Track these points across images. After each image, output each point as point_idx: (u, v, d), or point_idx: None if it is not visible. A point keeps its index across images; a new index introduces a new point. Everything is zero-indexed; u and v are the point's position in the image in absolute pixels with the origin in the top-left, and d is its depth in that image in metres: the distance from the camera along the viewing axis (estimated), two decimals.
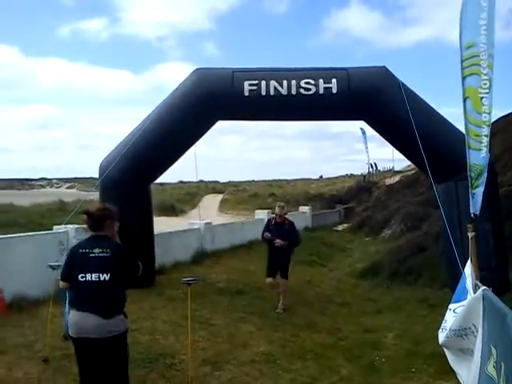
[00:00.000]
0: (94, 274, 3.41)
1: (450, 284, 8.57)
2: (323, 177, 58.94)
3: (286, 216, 8.32)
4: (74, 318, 3.44)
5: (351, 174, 50.96)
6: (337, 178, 53.84)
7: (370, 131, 39.17)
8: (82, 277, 3.43)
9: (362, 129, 36.63)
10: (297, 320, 7.31)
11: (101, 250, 3.46)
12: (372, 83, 8.22)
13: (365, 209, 23.67)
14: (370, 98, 8.16)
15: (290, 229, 8.01)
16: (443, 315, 3.69)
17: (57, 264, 5.46)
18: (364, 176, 36.48)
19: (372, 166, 36.53)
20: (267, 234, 7.91)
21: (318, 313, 7.99)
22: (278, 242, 7.75)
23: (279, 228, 7.94)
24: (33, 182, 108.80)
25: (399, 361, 5.71)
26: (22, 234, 8.25)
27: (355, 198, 28.60)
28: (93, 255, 3.45)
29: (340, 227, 22.42)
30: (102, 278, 3.40)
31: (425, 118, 8.07)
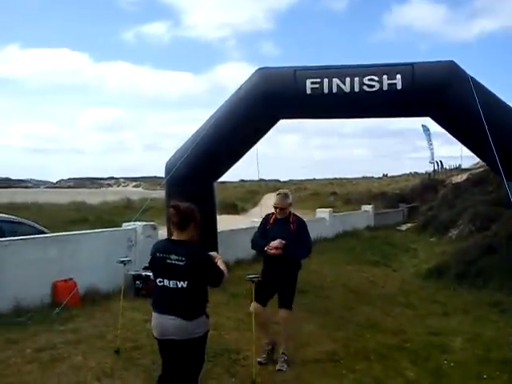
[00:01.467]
0: (171, 281, 3.33)
1: None
2: (386, 175, 57.57)
3: (293, 211, 5.47)
4: (156, 319, 3.44)
5: (415, 173, 49.41)
6: (400, 176, 52.41)
7: (435, 128, 37.80)
8: (160, 281, 3.39)
9: (424, 126, 35.42)
10: (360, 320, 7.20)
11: (177, 258, 3.31)
12: (439, 78, 7.95)
13: (430, 208, 22.87)
14: (437, 93, 7.89)
15: (297, 230, 5.22)
16: None
17: (127, 259, 5.70)
18: (429, 174, 35.25)
19: (437, 164, 35.29)
20: (259, 244, 5.27)
21: (382, 313, 7.83)
22: (273, 246, 5.05)
23: (281, 228, 5.23)
24: (102, 181, 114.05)
25: (469, 366, 5.48)
26: (93, 231, 8.68)
27: (420, 196, 27.71)
28: (169, 261, 3.33)
29: (403, 227, 21.83)
30: (179, 286, 3.32)
31: (496, 113, 7.71)
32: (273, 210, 5.38)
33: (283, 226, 5.22)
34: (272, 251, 5.04)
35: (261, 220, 5.66)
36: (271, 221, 5.40)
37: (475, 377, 5.13)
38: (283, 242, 5.05)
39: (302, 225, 5.31)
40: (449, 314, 7.90)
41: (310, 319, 6.88)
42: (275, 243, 5.04)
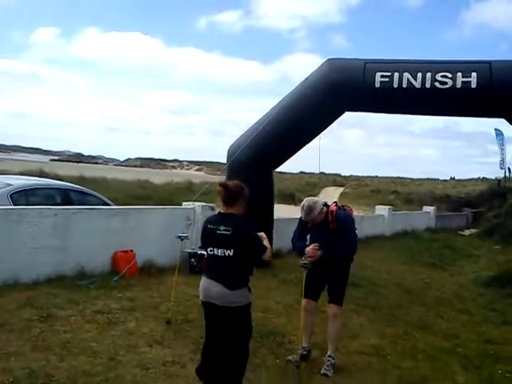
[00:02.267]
0: (219, 250, 3.61)
1: None
2: (453, 178, 55.40)
3: (333, 206, 4.85)
4: (203, 283, 3.72)
5: (483, 178, 47.18)
6: (467, 180, 50.25)
7: (508, 132, 35.82)
8: (211, 250, 3.68)
9: (497, 129, 33.58)
10: (411, 319, 7.06)
11: (225, 228, 3.60)
12: None
13: (496, 215, 21.83)
14: None
15: (338, 228, 4.76)
16: None
17: (185, 235, 5.90)
18: (499, 180, 33.53)
19: (509, 170, 33.48)
20: (305, 255, 4.73)
21: (435, 316, 7.62)
22: (308, 255, 4.69)
23: (320, 229, 4.82)
24: (166, 163, 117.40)
25: None
26: (154, 207, 9.01)
27: (486, 202, 26.50)
28: (218, 232, 3.62)
29: (466, 232, 20.99)
30: (226, 254, 3.59)
31: None
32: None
33: (322, 226, 4.79)
34: (310, 259, 4.67)
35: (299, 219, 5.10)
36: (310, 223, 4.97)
37: None
38: (316, 246, 4.71)
39: (343, 221, 4.78)
40: (507, 323, 7.57)
41: (359, 312, 6.84)
42: (308, 251, 4.71)
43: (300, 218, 4.97)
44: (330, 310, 4.89)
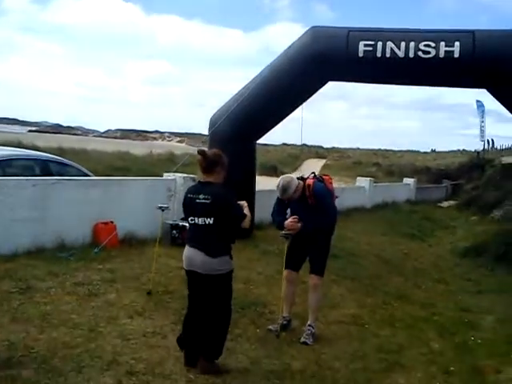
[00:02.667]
0: (200, 218, 3.67)
1: None
2: (433, 150, 55.89)
3: (310, 180, 4.85)
4: (186, 252, 3.80)
5: (464, 150, 47.66)
6: (448, 152, 50.73)
7: (488, 105, 36.07)
8: (192, 219, 3.74)
9: (478, 101, 33.75)
10: (390, 289, 7.20)
11: (204, 197, 3.64)
12: (501, 48, 7.51)
13: (475, 187, 22.18)
14: (498, 64, 7.47)
15: (316, 202, 4.78)
16: None
17: (165, 206, 5.85)
18: (478, 152, 33.94)
19: (488, 143, 33.87)
20: (285, 230, 4.72)
21: (413, 286, 7.79)
22: (287, 228, 4.70)
23: (298, 203, 4.84)
24: (147, 134, 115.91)
25: (497, 345, 5.43)
26: (135, 178, 8.93)
27: (465, 174, 26.85)
28: (198, 201, 3.66)
29: (445, 203, 21.30)
30: (206, 222, 3.65)
31: None
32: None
33: (301, 201, 4.79)
34: (290, 232, 4.68)
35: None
36: None
37: (501, 355, 5.08)
38: (296, 219, 4.68)
39: (319, 195, 4.77)
40: (482, 292, 7.79)
41: (339, 282, 6.93)
42: (288, 224, 4.69)
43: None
44: (310, 280, 4.92)
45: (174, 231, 7.81)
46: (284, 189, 4.69)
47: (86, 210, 7.06)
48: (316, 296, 4.93)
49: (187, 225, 3.86)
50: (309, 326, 4.82)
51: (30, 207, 6.40)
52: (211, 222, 3.63)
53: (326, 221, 4.86)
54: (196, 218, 3.69)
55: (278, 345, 4.47)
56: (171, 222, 7.81)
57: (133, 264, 6.32)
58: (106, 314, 4.62)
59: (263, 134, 9.79)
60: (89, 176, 8.36)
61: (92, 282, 5.41)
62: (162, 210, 5.73)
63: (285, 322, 4.94)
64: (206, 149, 3.85)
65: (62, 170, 7.99)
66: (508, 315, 6.52)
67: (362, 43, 7.90)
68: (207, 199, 3.63)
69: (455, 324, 6.06)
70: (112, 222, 7.28)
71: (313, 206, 4.76)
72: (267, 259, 7.47)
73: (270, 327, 4.81)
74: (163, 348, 4.10)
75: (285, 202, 4.91)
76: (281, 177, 4.93)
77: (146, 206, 7.56)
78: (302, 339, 4.69)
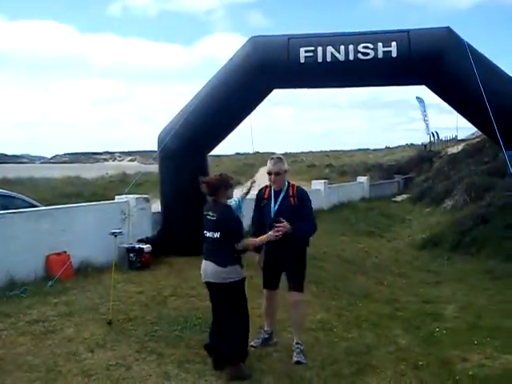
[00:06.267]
0: (210, 232, 4.16)
1: None
2: (382, 147, 57.42)
3: (292, 182, 4.80)
4: (202, 265, 4.23)
5: (411, 144, 49.24)
6: (396, 147, 52.26)
7: (429, 99, 37.35)
8: (205, 233, 4.22)
9: (418, 98, 34.99)
10: (353, 289, 7.25)
11: (212, 214, 4.15)
12: (435, 45, 7.81)
13: (425, 179, 22.88)
14: (434, 61, 7.76)
15: (298, 204, 4.58)
16: (508, 287, 3.51)
17: (118, 231, 5.67)
18: (425, 145, 35.10)
19: (433, 135, 35.07)
20: (271, 232, 4.32)
21: (376, 283, 7.89)
22: (277, 230, 4.29)
23: (278, 202, 4.61)
24: (97, 156, 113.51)
25: (461, 333, 5.55)
26: (86, 204, 8.62)
27: (415, 168, 27.67)
28: (208, 217, 4.17)
29: (399, 198, 21.85)
30: (214, 236, 4.12)
31: (494, 80, 7.61)
32: (267, 183, 4.86)
33: (282, 199, 4.59)
34: (275, 235, 4.28)
35: (255, 197, 4.93)
36: (266, 195, 4.73)
37: (466, 343, 5.19)
38: (282, 221, 4.34)
39: (303, 197, 4.62)
40: (442, 282, 7.97)
41: (304, 289, 6.89)
42: (281, 226, 4.29)
43: (256, 197, 4.87)
44: (290, 297, 4.68)
45: (131, 254, 7.59)
46: (279, 159, 4.74)
47: (35, 243, 6.75)
48: (299, 313, 4.75)
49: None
50: (296, 344, 4.62)
51: None
52: (218, 235, 4.09)
53: (307, 228, 4.60)
54: (208, 232, 4.17)
55: (247, 361, 4.38)
56: (127, 246, 7.60)
57: (90, 294, 6.08)
58: (65, 351, 4.40)
59: (214, 147, 9.71)
60: (36, 206, 8.04)
61: (48, 318, 5.15)
62: (115, 236, 5.55)
63: (266, 336, 4.89)
64: (208, 177, 4.40)
65: (6, 202, 7.65)
66: (467, 303, 6.70)
67: (302, 50, 8.00)
68: (214, 216, 4.13)
69: (419, 317, 6.15)
70: (65, 252, 7.00)
71: (294, 209, 4.54)
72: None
73: (253, 343, 4.68)
74: (128, 380, 3.93)
75: (261, 205, 4.73)
76: (272, 157, 4.82)
77: (99, 231, 7.31)
78: (295, 359, 4.49)
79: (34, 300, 5.72)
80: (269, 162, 4.70)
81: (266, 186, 4.79)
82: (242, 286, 4.19)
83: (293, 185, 4.72)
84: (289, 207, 4.56)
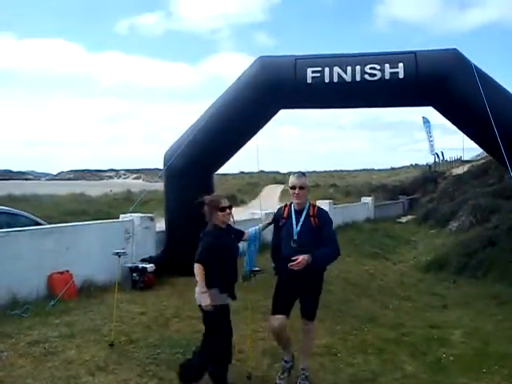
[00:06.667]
0: None
1: None
2: (386, 167, 57.42)
3: (313, 202, 4.59)
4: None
5: (415, 164, 49.18)
6: (401, 168, 52.23)
7: (434, 119, 37.50)
8: None
9: (424, 118, 35.19)
10: (358, 313, 7.14)
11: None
12: (442, 67, 7.83)
13: (430, 200, 22.80)
14: (440, 82, 7.77)
15: (319, 225, 4.31)
16: None
17: (122, 251, 5.62)
18: (430, 166, 35.10)
19: (438, 156, 35.10)
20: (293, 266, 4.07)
21: (381, 306, 7.77)
22: (297, 262, 4.03)
23: (299, 223, 4.33)
24: (102, 173, 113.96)
25: (468, 360, 5.43)
26: (90, 222, 8.59)
27: (420, 188, 27.61)
28: None
29: (404, 219, 21.75)
30: None
31: (501, 102, 7.61)
32: (275, 201, 4.99)
33: (304, 219, 4.30)
34: (297, 265, 4.04)
35: (272, 216, 4.73)
36: (285, 214, 4.45)
37: (474, 371, 5.07)
38: (307, 258, 4.06)
39: (325, 219, 4.35)
40: (448, 306, 7.84)
41: None
42: (298, 261, 4.03)
43: (274, 217, 4.62)
44: (303, 325, 4.53)
45: (135, 274, 7.54)
46: (302, 173, 4.55)
47: (38, 261, 6.72)
48: (309, 340, 4.63)
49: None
50: (302, 369, 4.49)
51: None
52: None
53: (330, 253, 4.32)
54: None
55: None
56: (130, 265, 7.55)
57: (92, 314, 6.01)
58: (65, 374, 4.32)
59: (220, 166, 9.72)
60: (41, 224, 8.02)
61: (48, 339, 5.08)
62: (119, 256, 5.49)
63: (288, 366, 4.55)
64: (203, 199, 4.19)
65: (11, 220, 7.66)
66: (474, 328, 6.57)
67: (309, 70, 8.04)
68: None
69: (425, 342, 6.03)
70: (68, 271, 6.96)
71: (315, 231, 4.27)
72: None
73: (278, 381, 4.44)
74: None
75: (279, 225, 4.48)
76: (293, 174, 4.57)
77: (103, 250, 7.27)
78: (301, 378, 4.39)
79: (36, 320, 5.66)
80: (292, 176, 4.47)
81: (286, 205, 4.57)
82: (218, 312, 3.92)
83: (313, 205, 4.47)
84: (310, 228, 4.29)
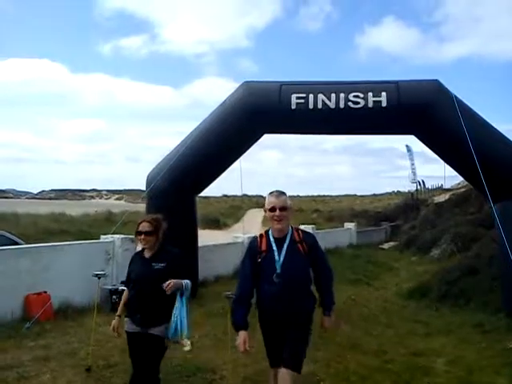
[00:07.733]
0: None
1: (506, 309, 8.13)
2: (368, 193, 58.04)
3: (296, 226, 3.75)
4: None
5: (398, 191, 49.88)
6: (382, 194, 52.84)
7: (415, 147, 38.22)
8: None
9: (407, 146, 35.82)
10: (341, 339, 7.04)
11: None
12: (424, 97, 7.98)
13: (412, 227, 22.99)
14: (422, 112, 7.91)
15: (309, 252, 3.56)
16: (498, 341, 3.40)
17: (102, 272, 5.51)
18: (412, 193, 35.54)
19: (420, 184, 35.60)
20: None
21: (364, 333, 7.69)
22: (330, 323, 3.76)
23: (284, 254, 3.48)
24: (84, 193, 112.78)
25: None
26: (69, 242, 8.45)
27: (402, 215, 27.88)
28: None
29: (386, 245, 21.85)
30: None
31: (481, 133, 7.75)
32: (256, 229, 4.55)
33: (287, 247, 3.48)
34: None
35: (245, 253, 3.68)
36: (263, 247, 3.53)
37: None
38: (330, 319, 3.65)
39: (314, 244, 3.62)
40: (431, 334, 7.79)
41: None
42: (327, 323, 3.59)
43: (247, 252, 3.65)
44: (282, 375, 3.41)
45: (114, 296, 7.38)
46: (280, 192, 3.59)
47: (14, 282, 6.57)
48: None
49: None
50: None
51: None
52: None
53: (332, 290, 3.80)
54: None
55: None
56: (110, 287, 7.40)
57: (69, 337, 5.86)
58: None
59: (203, 188, 9.69)
60: (18, 244, 7.86)
61: (23, 363, 4.92)
62: (99, 278, 5.38)
63: None
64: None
65: None
66: (458, 356, 6.52)
67: (294, 96, 8.12)
68: None
69: (409, 371, 5.95)
70: (45, 292, 6.80)
71: (305, 258, 3.52)
72: (213, 319, 7.15)
73: None
74: None
75: (257, 262, 3.51)
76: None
77: (82, 271, 7.13)
78: None
79: (9, 343, 5.50)
80: (269, 196, 3.59)
81: (261, 235, 3.63)
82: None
83: (296, 228, 3.67)
84: (298, 257, 3.50)
